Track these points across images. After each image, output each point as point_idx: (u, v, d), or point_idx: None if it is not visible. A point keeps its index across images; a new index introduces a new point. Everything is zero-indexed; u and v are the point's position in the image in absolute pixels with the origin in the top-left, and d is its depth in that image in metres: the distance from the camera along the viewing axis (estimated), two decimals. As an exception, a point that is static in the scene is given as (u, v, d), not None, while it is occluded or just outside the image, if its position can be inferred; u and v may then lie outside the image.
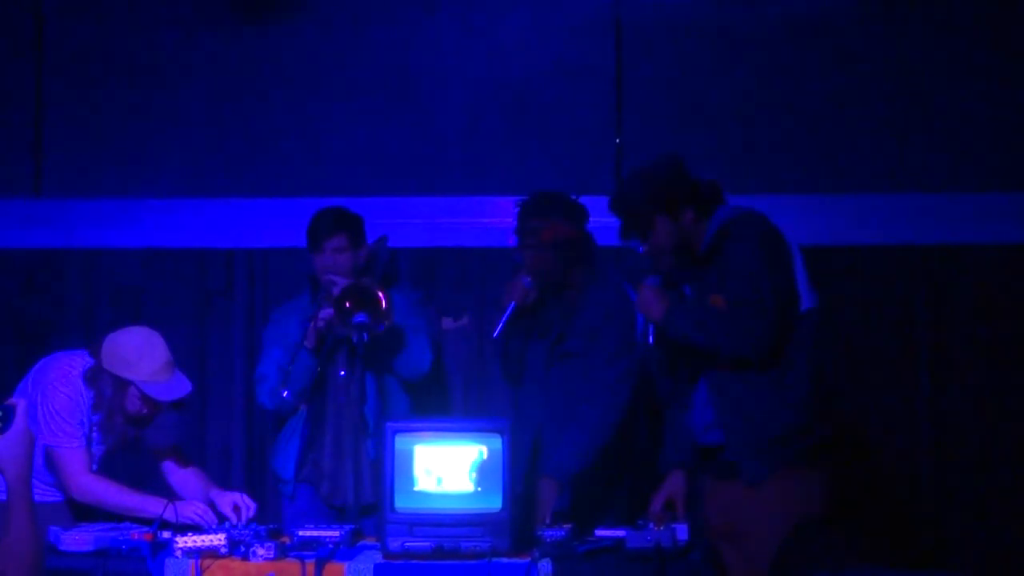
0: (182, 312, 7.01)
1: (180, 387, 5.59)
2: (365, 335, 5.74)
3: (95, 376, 5.54)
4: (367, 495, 5.87)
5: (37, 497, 5.51)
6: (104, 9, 7.22)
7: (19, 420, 4.21)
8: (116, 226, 7.11)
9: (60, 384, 5.56)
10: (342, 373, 6.06)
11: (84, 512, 5.63)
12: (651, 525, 5.11)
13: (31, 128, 7.22)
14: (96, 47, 7.21)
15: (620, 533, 5.14)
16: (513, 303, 5.89)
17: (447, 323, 7.02)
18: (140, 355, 5.51)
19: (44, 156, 7.22)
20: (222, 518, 5.52)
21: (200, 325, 7.04)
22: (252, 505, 5.58)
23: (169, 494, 5.70)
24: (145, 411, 5.56)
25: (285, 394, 5.95)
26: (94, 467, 5.64)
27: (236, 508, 5.55)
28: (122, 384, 5.52)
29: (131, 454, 5.87)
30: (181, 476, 5.84)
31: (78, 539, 5.11)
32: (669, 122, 7.05)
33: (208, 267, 7.13)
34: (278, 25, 7.14)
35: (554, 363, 5.94)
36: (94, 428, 5.61)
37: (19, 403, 4.24)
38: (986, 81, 6.96)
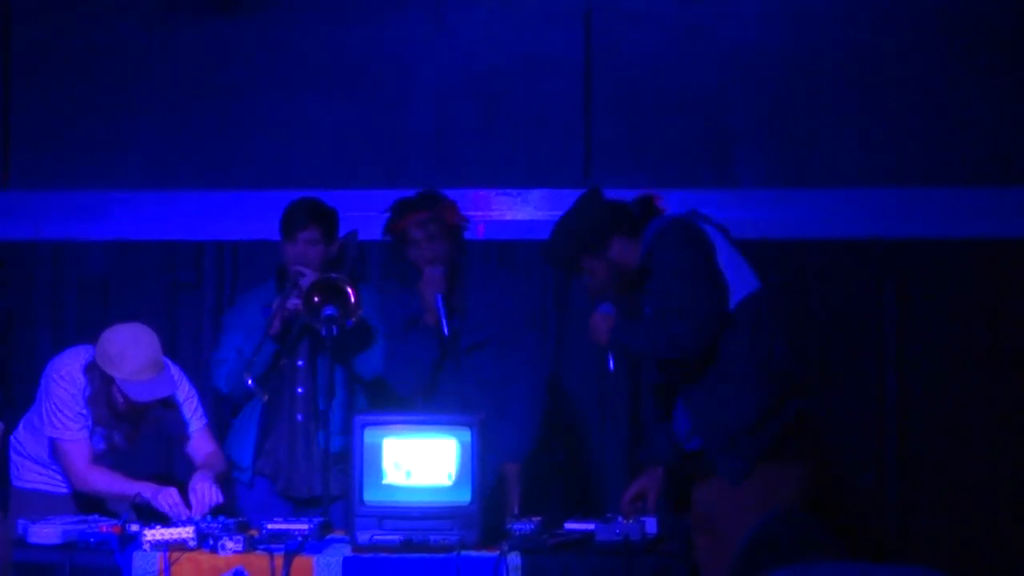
0: (151, 304, 6.98)
1: (159, 389, 5.61)
2: (335, 328, 5.75)
3: (91, 368, 5.61)
4: (317, 487, 5.91)
5: (47, 488, 5.62)
6: (72, 0, 7.19)
7: None
8: (84, 218, 7.09)
9: (60, 377, 5.64)
10: (300, 364, 6.07)
11: (90, 505, 5.68)
12: (620, 518, 5.13)
13: (-1, 120, 7.21)
14: (64, 38, 7.18)
15: (589, 526, 5.15)
16: (439, 295, 5.88)
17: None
18: (122, 353, 5.54)
19: (12, 148, 7.19)
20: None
21: (169, 317, 7.01)
22: (216, 497, 5.56)
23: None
24: (128, 407, 5.58)
25: (249, 382, 5.94)
26: (101, 457, 5.69)
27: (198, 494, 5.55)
28: (107, 379, 5.56)
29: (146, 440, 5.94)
30: (200, 459, 5.84)
31: (46, 532, 5.11)
32: (638, 115, 7.05)
33: (177, 259, 7.11)
34: (247, 17, 7.11)
35: (460, 360, 5.94)
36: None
37: None
38: (955, 75, 6.97)
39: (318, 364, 6.03)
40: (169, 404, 5.75)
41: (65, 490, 5.74)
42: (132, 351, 5.55)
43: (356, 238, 6.28)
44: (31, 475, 5.79)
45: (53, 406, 5.62)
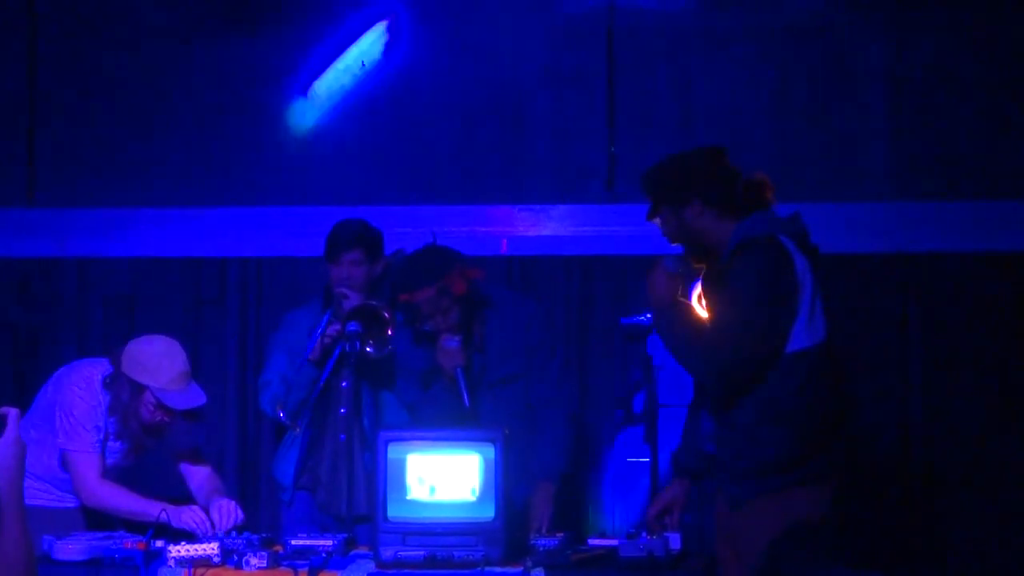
0: (175, 320, 6.99)
1: (194, 398, 5.64)
2: (358, 344, 5.74)
3: (113, 380, 5.62)
4: (360, 506, 5.89)
5: (52, 503, 5.63)
6: (97, 19, 7.22)
7: (11, 429, 4.23)
8: (109, 235, 7.12)
9: (79, 389, 5.65)
10: (344, 384, 6.06)
11: (98, 519, 5.67)
12: (644, 534, 5.11)
13: (25, 138, 7.23)
14: (89, 56, 7.22)
15: (613, 542, 5.15)
16: (460, 368, 5.74)
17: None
18: (158, 363, 5.57)
19: (38, 165, 7.23)
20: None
21: (193, 333, 7.01)
22: (238, 516, 5.57)
23: (187, 496, 5.79)
24: (158, 418, 5.61)
25: (281, 415, 5.94)
26: (107, 472, 5.68)
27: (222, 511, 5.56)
28: (138, 389, 5.57)
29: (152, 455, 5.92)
30: (196, 479, 5.87)
31: (72, 548, 5.14)
32: (662, 130, 7.04)
33: (201, 276, 7.14)
34: (271, 35, 7.14)
35: (483, 392, 5.87)
36: (109, 435, 5.66)
37: (10, 412, 4.26)
38: (978, 89, 6.96)
39: (363, 384, 6.04)
40: (196, 416, 5.75)
41: (73, 504, 5.71)
42: (167, 361, 5.59)
43: (403, 256, 6.22)
44: (29, 491, 5.75)
45: (72, 417, 5.61)
